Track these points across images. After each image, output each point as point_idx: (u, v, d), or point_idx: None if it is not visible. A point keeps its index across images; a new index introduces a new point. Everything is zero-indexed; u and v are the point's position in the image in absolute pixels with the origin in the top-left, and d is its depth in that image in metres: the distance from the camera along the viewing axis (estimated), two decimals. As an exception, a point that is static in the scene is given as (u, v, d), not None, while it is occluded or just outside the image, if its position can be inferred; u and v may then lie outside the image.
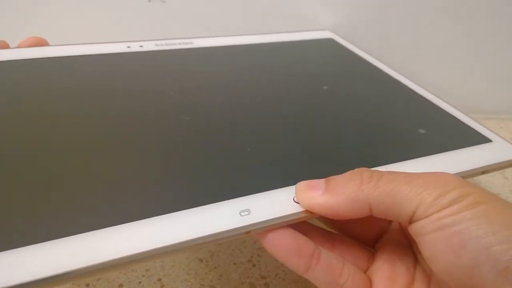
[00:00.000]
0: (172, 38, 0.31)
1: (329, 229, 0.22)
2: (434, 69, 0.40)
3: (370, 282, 0.19)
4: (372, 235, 0.22)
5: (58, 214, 0.17)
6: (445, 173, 0.18)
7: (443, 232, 0.16)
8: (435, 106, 0.28)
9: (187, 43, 0.31)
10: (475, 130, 0.26)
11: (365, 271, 0.20)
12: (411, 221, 0.17)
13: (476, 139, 0.25)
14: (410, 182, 0.17)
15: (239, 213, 0.18)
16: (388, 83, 0.31)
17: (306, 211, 0.18)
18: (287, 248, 0.18)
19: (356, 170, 0.18)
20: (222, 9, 0.38)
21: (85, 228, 0.16)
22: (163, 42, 0.31)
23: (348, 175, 0.18)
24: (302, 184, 0.19)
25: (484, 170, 0.22)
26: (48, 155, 0.20)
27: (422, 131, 0.25)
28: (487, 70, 0.41)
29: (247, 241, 0.28)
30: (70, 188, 0.18)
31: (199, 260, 0.27)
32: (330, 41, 0.36)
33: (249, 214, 0.18)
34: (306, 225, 0.20)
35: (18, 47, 0.27)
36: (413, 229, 0.17)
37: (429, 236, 0.16)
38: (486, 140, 0.25)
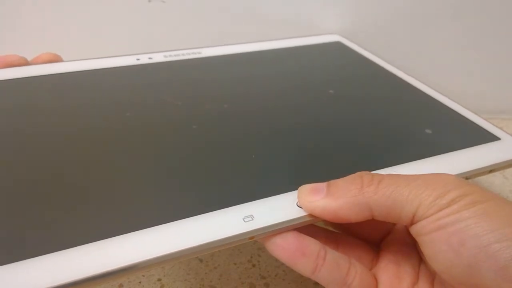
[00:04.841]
0: (181, 49, 0.31)
1: (333, 230, 0.22)
2: (433, 69, 0.40)
3: (376, 280, 0.20)
4: (377, 235, 0.22)
5: (66, 224, 0.17)
6: (445, 173, 0.18)
7: (443, 231, 0.16)
8: (443, 105, 0.28)
9: (195, 53, 0.32)
10: (483, 128, 0.25)
11: (370, 270, 0.20)
12: (412, 223, 0.17)
13: (485, 137, 0.25)
14: (410, 184, 0.17)
15: (243, 219, 0.18)
16: (394, 84, 0.31)
17: (309, 215, 0.18)
18: (291, 249, 0.18)
19: (357, 173, 0.18)
20: (223, 8, 0.38)
21: (92, 238, 0.16)
22: (172, 53, 0.31)
23: (349, 179, 0.18)
24: (304, 187, 0.19)
25: (492, 169, 0.22)
26: (61, 167, 0.20)
27: (428, 131, 0.25)
28: (487, 70, 0.41)
29: (247, 241, 0.28)
30: (79, 197, 0.18)
31: (199, 260, 0.27)
32: (338, 44, 0.36)
33: (252, 219, 0.18)
34: (309, 226, 0.20)
35: (32, 62, 0.28)
36: (414, 230, 0.17)
37: (429, 236, 0.16)
38: (495, 138, 0.24)
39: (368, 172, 0.18)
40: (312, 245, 0.18)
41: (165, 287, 0.25)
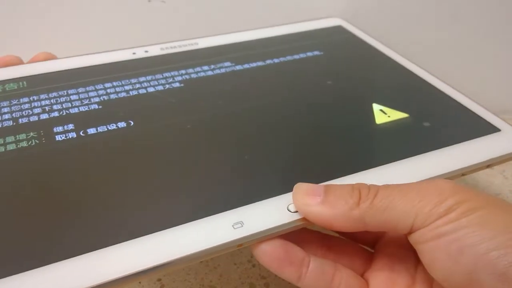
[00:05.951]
0: (177, 40, 0.31)
1: (325, 231, 0.22)
2: (433, 68, 0.40)
3: (367, 284, 0.20)
4: (372, 236, 0.22)
5: (58, 235, 0.17)
6: (440, 180, 0.18)
7: (441, 240, 0.16)
8: (443, 95, 0.27)
9: (192, 44, 0.31)
10: (483, 119, 0.25)
11: (362, 273, 0.20)
12: (410, 232, 0.17)
13: (484, 129, 0.24)
14: (405, 195, 0.17)
15: (232, 225, 0.17)
16: (396, 73, 0.29)
17: (302, 219, 0.18)
18: (276, 258, 0.18)
19: (355, 185, 0.18)
20: (223, 6, 0.38)
21: (81, 249, 0.16)
22: (168, 45, 0.30)
23: (347, 190, 0.18)
24: (300, 186, 0.18)
25: (491, 163, 0.22)
26: (55, 176, 0.20)
27: (427, 124, 0.24)
28: (487, 70, 0.41)
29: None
30: (68, 208, 0.18)
31: (199, 260, 0.27)
32: (339, 29, 0.35)
33: (242, 226, 0.17)
34: (300, 228, 0.20)
35: (30, 63, 0.28)
36: (413, 239, 0.17)
37: (428, 244, 0.16)
38: (495, 130, 0.24)
39: (365, 184, 0.18)
40: (297, 253, 0.18)
41: (165, 287, 0.26)
